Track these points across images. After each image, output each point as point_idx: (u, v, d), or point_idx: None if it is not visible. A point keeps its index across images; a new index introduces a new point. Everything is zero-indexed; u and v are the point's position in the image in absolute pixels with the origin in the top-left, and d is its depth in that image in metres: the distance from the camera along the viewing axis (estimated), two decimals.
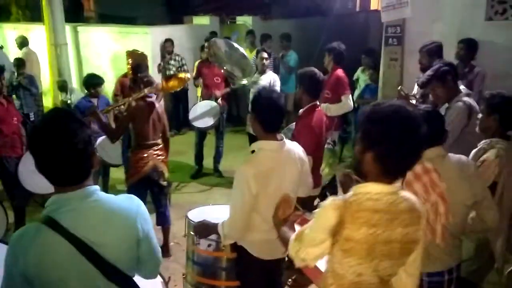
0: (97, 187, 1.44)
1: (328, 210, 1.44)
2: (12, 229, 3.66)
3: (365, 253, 1.41)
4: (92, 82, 4.70)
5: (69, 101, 7.39)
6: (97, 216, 1.40)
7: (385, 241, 1.41)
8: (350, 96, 4.19)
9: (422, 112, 2.12)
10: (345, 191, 2.24)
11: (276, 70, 6.13)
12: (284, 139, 2.29)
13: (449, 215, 1.96)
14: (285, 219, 1.83)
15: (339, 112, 4.11)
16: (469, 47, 4.23)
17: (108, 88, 6.32)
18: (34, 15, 10.45)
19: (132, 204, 1.49)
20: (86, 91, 4.78)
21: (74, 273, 1.37)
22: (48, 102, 8.14)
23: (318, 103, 3.30)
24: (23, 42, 7.80)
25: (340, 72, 4.23)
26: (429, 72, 3.20)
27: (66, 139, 1.34)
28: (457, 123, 2.93)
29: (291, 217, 1.88)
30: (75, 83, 8.10)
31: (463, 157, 2.13)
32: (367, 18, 11.19)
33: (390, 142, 1.38)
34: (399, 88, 3.92)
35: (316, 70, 3.30)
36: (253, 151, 2.28)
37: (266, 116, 2.21)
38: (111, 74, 7.74)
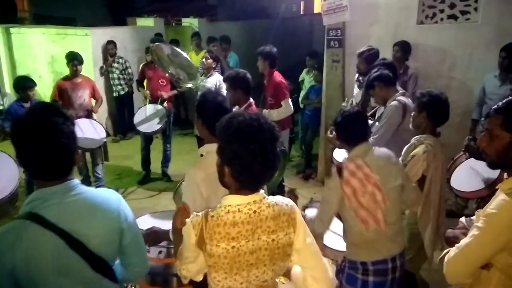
0: (78, 181, 1.48)
1: (188, 227, 1.45)
2: None
3: (228, 268, 1.42)
4: (23, 85, 4.39)
5: (0, 107, 6.90)
6: (81, 209, 1.43)
7: (250, 251, 1.42)
8: (290, 100, 4.27)
9: (348, 114, 2.27)
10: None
11: (222, 73, 6.14)
12: None
13: (386, 201, 2.10)
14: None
15: (281, 117, 4.18)
16: (403, 49, 4.50)
17: (46, 92, 6.00)
18: None
19: (113, 196, 1.54)
20: (17, 95, 4.50)
21: (62, 266, 1.39)
22: None
23: (252, 100, 3.52)
24: None
25: (277, 76, 4.29)
26: (369, 76, 3.37)
27: (52, 134, 1.35)
28: (392, 121, 3.12)
29: None
30: (7, 87, 7.57)
31: (386, 149, 2.29)
32: (311, 21, 11.54)
33: (240, 162, 1.38)
34: (343, 104, 4.10)
35: (244, 71, 3.53)
36: (202, 155, 2.27)
37: (212, 120, 2.20)
38: (48, 77, 7.33)
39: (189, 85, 4.92)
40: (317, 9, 13.72)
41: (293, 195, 2.39)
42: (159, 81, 5.48)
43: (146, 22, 8.80)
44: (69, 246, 1.38)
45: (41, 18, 9.91)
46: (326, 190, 2.34)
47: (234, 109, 2.59)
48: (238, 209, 1.41)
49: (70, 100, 4.79)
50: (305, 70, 5.79)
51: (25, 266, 1.34)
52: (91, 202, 1.46)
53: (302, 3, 13.62)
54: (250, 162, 1.37)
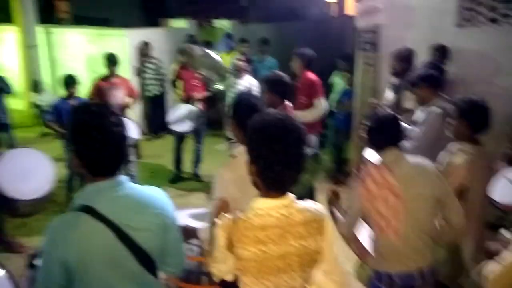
0: (126, 177, 1.54)
1: (218, 229, 1.46)
2: None
3: (256, 271, 1.42)
4: (68, 82, 4.68)
5: (39, 102, 7.23)
6: (129, 203, 1.49)
7: (279, 256, 1.41)
8: (323, 99, 4.26)
9: (381, 118, 2.20)
10: (330, 208, 2.28)
11: (253, 75, 6.16)
12: None
13: (402, 209, 2.01)
14: None
15: (314, 118, 4.17)
16: (441, 53, 4.37)
17: (83, 90, 6.20)
18: (2, 16, 10.12)
19: (159, 193, 1.60)
20: (65, 92, 4.75)
21: (112, 258, 1.44)
22: (17, 104, 7.91)
23: (287, 103, 3.47)
24: None
25: (311, 75, 4.29)
26: (416, 73, 3.30)
27: (110, 135, 1.44)
28: (432, 128, 3.04)
29: None
30: (47, 85, 7.90)
31: (422, 159, 2.20)
32: (342, 23, 11.38)
33: (263, 161, 1.39)
34: (370, 100, 4.03)
35: (282, 74, 3.50)
36: (233, 156, 2.28)
37: (246, 122, 2.22)
38: (86, 76, 7.58)
39: (220, 86, 4.99)
40: (349, 11, 13.53)
41: (335, 196, 2.32)
42: (193, 81, 5.56)
43: (179, 23, 8.98)
44: (118, 238, 1.44)
45: (79, 19, 10.29)
46: (350, 190, 2.31)
47: None
48: (268, 212, 1.42)
49: (106, 99, 4.94)
50: (336, 73, 5.73)
51: (77, 256, 1.40)
52: (138, 198, 1.52)
53: (334, 5, 13.50)
54: (272, 161, 1.38)
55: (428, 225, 2.13)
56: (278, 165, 1.38)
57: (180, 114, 5.35)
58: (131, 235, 1.46)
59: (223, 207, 1.68)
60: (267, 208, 1.42)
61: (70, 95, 4.66)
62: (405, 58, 4.04)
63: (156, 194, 1.59)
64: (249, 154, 1.46)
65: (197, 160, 5.65)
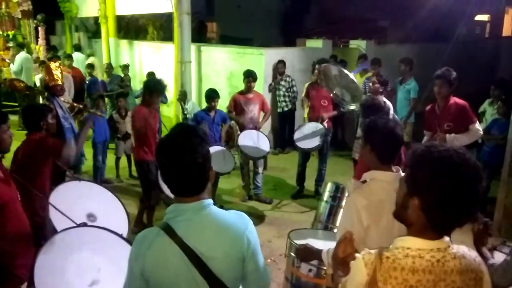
0: (211, 201, 1.53)
1: (359, 264, 1.32)
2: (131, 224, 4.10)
3: None
4: (210, 95, 5.18)
5: (184, 111, 8.12)
6: (208, 229, 1.48)
7: None
8: (479, 124, 3.89)
9: None
10: (477, 245, 2.01)
11: (389, 97, 5.88)
12: (400, 171, 2.16)
13: None
14: (345, 259, 1.59)
15: (469, 141, 3.82)
16: None
17: (223, 103, 6.78)
18: (166, 35, 11.78)
19: (241, 221, 1.55)
20: (206, 104, 5.25)
21: (183, 280, 1.45)
22: (168, 112, 9.02)
23: None
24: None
25: (459, 100, 3.96)
26: None
27: (188, 154, 1.43)
28: None
29: (351, 258, 1.61)
30: (194, 97, 8.83)
31: None
32: (497, 45, 10.17)
33: (436, 191, 1.23)
34: None
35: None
36: (364, 181, 2.20)
37: (382, 147, 2.10)
38: (225, 91, 8.26)
39: (353, 107, 4.90)
40: (506, 31, 12.05)
41: (484, 231, 2.00)
42: (321, 101, 5.58)
43: (315, 43, 9.11)
44: (192, 264, 1.43)
45: (225, 39, 11.34)
46: None
47: None
48: (419, 254, 1.27)
49: (242, 112, 5.32)
50: (487, 101, 5.11)
51: (152, 272, 1.45)
52: (218, 225, 1.49)
53: (488, 25, 12.14)
54: (446, 197, 1.24)
55: None
56: (456, 203, 1.24)
57: (306, 132, 5.42)
58: (204, 261, 1.44)
59: (348, 240, 1.60)
60: (418, 249, 1.28)
61: (211, 108, 5.15)
62: None
63: (239, 222, 1.53)
64: (413, 185, 1.31)
65: (319, 179, 5.63)
